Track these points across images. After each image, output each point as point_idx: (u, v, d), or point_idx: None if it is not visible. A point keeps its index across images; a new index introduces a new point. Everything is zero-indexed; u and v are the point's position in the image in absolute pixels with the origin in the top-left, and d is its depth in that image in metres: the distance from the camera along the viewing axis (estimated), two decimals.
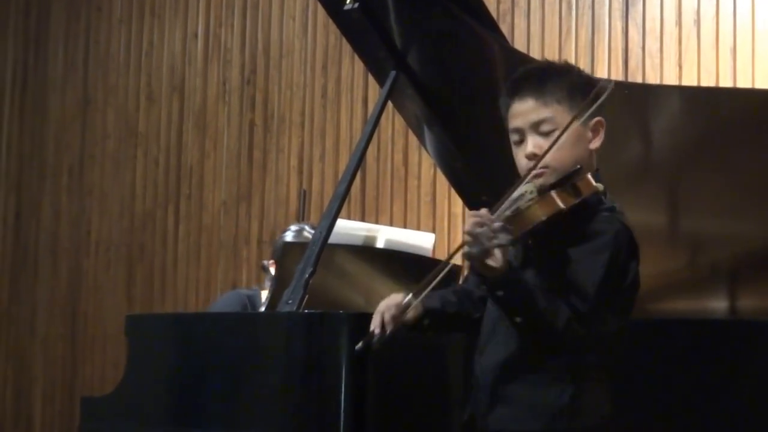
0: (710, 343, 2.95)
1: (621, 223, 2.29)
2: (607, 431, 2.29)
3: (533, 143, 2.33)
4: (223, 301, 4.08)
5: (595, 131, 2.36)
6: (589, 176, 2.30)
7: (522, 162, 2.34)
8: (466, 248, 2.14)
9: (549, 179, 2.30)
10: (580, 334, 2.20)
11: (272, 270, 4.00)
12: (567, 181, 2.28)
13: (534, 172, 2.29)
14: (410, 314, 2.32)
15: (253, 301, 4.00)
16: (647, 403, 2.80)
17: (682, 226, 3.33)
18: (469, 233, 2.14)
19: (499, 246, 2.12)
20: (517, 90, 2.37)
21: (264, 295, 4.03)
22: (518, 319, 2.23)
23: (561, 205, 2.23)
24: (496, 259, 2.14)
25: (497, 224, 2.13)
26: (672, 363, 2.90)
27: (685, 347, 2.93)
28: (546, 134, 2.32)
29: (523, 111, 2.35)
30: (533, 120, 2.34)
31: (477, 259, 2.14)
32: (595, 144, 2.36)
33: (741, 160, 3.12)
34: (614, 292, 2.27)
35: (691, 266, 3.37)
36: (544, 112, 2.33)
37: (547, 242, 2.29)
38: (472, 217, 2.16)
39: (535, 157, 2.31)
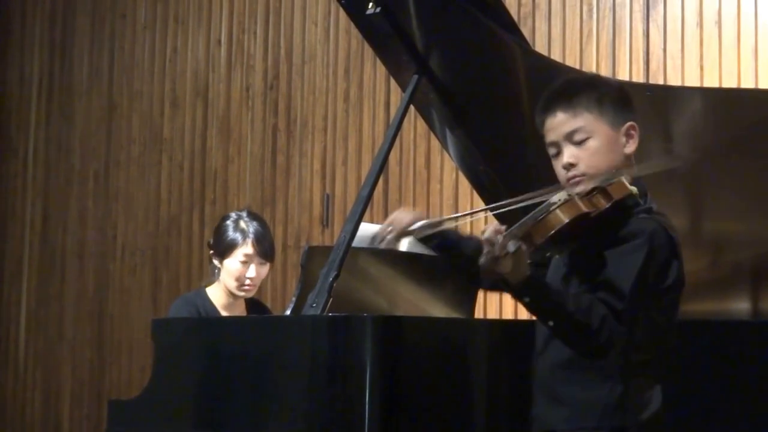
0: (733, 345, 2.95)
1: (657, 223, 2.33)
2: (657, 428, 2.33)
3: (568, 153, 2.39)
4: (173, 309, 4.03)
5: (629, 136, 2.41)
6: (623, 179, 2.33)
7: (561, 173, 2.40)
8: (480, 259, 2.21)
9: (586, 186, 2.34)
10: (618, 331, 2.23)
11: (214, 261, 3.96)
12: (596, 187, 2.31)
13: (572, 181, 2.36)
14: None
15: (196, 301, 3.96)
16: (673, 405, 2.81)
17: (705, 228, 3.33)
18: (487, 240, 2.19)
19: (507, 254, 2.17)
20: (548, 106, 2.44)
21: (209, 291, 3.98)
22: (550, 323, 2.27)
23: (584, 208, 2.25)
24: (506, 265, 2.19)
25: (506, 233, 2.18)
26: (695, 365, 2.90)
27: (708, 349, 2.93)
28: (580, 143, 2.38)
29: (556, 125, 2.41)
30: (566, 131, 2.39)
31: (487, 268, 2.20)
32: (630, 148, 2.41)
33: (763, 161, 3.11)
34: (655, 291, 2.31)
35: (714, 267, 3.36)
36: (575, 123, 2.39)
37: (586, 245, 2.33)
38: (491, 229, 2.22)
39: (571, 167, 2.37)
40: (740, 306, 3.39)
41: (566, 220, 2.24)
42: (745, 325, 3.23)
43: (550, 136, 2.43)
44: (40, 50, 6.86)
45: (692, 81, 4.66)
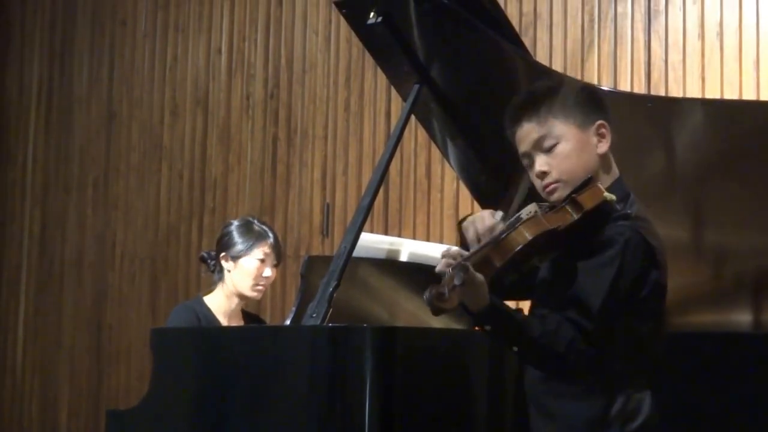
0: (735, 357, 2.94)
1: (634, 230, 2.28)
2: None
3: (540, 162, 2.37)
4: (172, 317, 4.06)
5: (600, 135, 2.38)
6: (599, 185, 2.30)
7: (536, 183, 2.37)
8: (424, 293, 2.16)
9: (563, 193, 2.32)
10: (586, 352, 2.21)
11: (224, 263, 4.00)
12: (568, 196, 2.29)
13: (548, 189, 2.33)
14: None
15: (195, 308, 4.00)
16: (673, 416, 2.80)
17: (706, 239, 3.32)
18: (439, 272, 2.17)
19: (455, 286, 2.12)
20: (514, 118, 2.43)
21: (207, 300, 4.02)
22: (515, 348, 2.26)
23: (548, 225, 2.22)
24: (452, 300, 2.14)
25: (455, 265, 2.13)
26: (695, 377, 2.89)
27: (709, 361, 2.92)
28: (549, 150, 2.36)
29: (524, 135, 2.40)
30: (533, 140, 2.37)
31: (430, 304, 2.16)
32: (603, 148, 2.38)
33: (764, 173, 3.11)
34: (633, 300, 2.27)
35: (715, 279, 3.35)
36: (541, 130, 2.37)
37: (564, 254, 2.31)
38: (443, 258, 2.19)
39: (545, 175, 2.34)
40: (741, 318, 3.38)
41: (529, 238, 2.19)
42: (746, 337, 3.22)
43: (521, 148, 2.40)
44: (39, 58, 6.86)
45: (694, 92, 4.67)
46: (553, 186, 2.34)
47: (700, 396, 2.88)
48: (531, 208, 2.27)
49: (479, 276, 2.17)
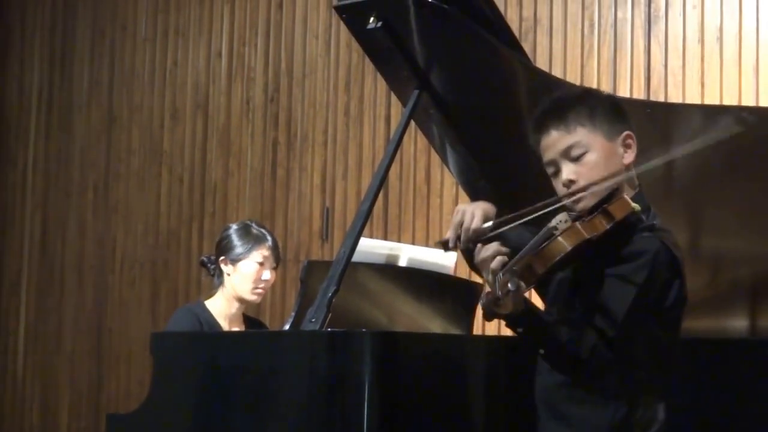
0: (731, 363, 2.94)
1: (661, 242, 2.31)
2: None
3: (567, 170, 2.37)
4: (174, 320, 4.08)
5: (627, 145, 2.39)
6: (626, 197, 2.31)
7: (561, 191, 2.37)
8: (481, 299, 2.21)
9: (589, 203, 2.32)
10: (608, 359, 2.24)
11: (224, 267, 4.01)
12: (600, 205, 2.30)
13: (573, 198, 2.33)
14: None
15: (197, 312, 4.01)
16: (671, 423, 2.80)
17: (704, 245, 3.32)
18: (493, 271, 2.19)
19: (509, 293, 2.15)
20: (540, 126, 2.42)
21: (208, 304, 4.04)
22: (542, 351, 2.28)
23: (585, 234, 2.24)
24: (507, 305, 2.17)
25: (505, 270, 2.16)
26: (692, 383, 2.89)
27: (706, 367, 2.92)
28: (577, 158, 2.36)
29: (551, 143, 2.39)
30: (561, 148, 2.37)
31: (489, 310, 2.19)
32: (629, 158, 2.39)
33: (763, 179, 3.11)
34: (656, 310, 2.30)
35: (712, 285, 3.36)
36: (570, 139, 2.37)
37: (589, 264, 2.33)
38: (498, 259, 2.21)
39: (572, 184, 2.34)
40: (738, 324, 3.39)
41: (569, 248, 2.22)
42: (743, 343, 3.22)
43: (547, 155, 2.40)
44: (40, 62, 6.87)
45: (693, 97, 4.67)
46: (579, 195, 2.34)
47: (697, 402, 2.88)
48: (562, 217, 2.28)
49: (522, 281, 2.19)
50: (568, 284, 2.40)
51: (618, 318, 2.24)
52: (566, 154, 2.37)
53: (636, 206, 2.30)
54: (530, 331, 2.26)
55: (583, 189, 2.32)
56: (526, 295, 2.25)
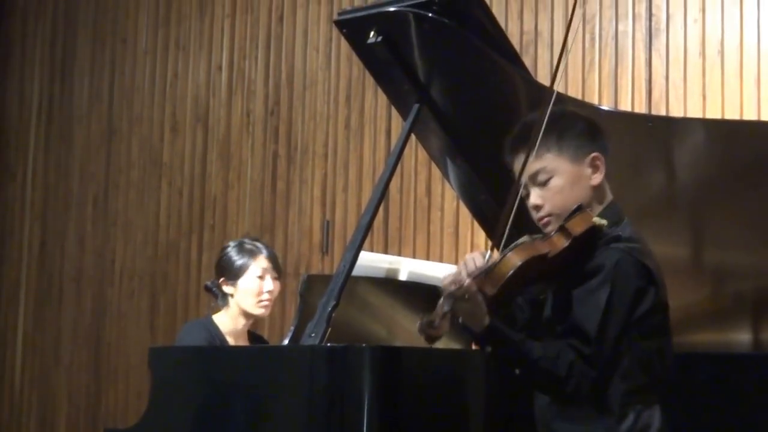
0: (734, 378, 2.93)
1: (623, 252, 2.31)
2: None
3: (534, 195, 2.42)
4: (187, 332, 4.08)
5: (594, 167, 2.42)
6: (587, 212, 2.33)
7: (532, 214, 2.41)
8: (417, 324, 2.28)
9: (556, 225, 2.36)
10: (588, 375, 2.24)
11: (225, 288, 4.02)
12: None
13: (542, 222, 2.39)
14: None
15: (208, 326, 4.01)
16: None
17: (705, 259, 3.32)
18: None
19: (445, 313, 2.22)
20: (512, 149, 2.47)
21: (215, 319, 4.03)
22: (517, 370, 2.28)
23: (540, 249, 2.26)
24: (443, 327, 2.24)
25: (445, 294, 2.23)
26: (695, 397, 2.88)
27: (709, 382, 2.91)
28: (544, 183, 2.41)
29: (520, 167, 2.41)
30: (529, 173, 2.42)
31: (422, 331, 2.27)
32: (596, 180, 2.42)
33: (765, 193, 3.10)
34: (632, 320, 2.30)
35: (714, 298, 3.35)
36: (536, 164, 2.41)
37: (560, 283, 2.35)
38: (446, 278, 2.27)
39: (538, 209, 2.38)
40: (741, 338, 3.37)
41: (519, 263, 2.23)
42: (746, 358, 3.21)
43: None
44: (40, 74, 6.87)
45: (695, 110, 4.66)
46: (546, 219, 2.40)
47: (699, 417, 2.87)
48: (523, 239, 2.30)
49: (476, 299, 2.22)
50: (548, 308, 2.42)
51: (590, 335, 2.26)
52: (533, 179, 2.42)
53: (599, 220, 2.33)
54: (498, 348, 2.29)
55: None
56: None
